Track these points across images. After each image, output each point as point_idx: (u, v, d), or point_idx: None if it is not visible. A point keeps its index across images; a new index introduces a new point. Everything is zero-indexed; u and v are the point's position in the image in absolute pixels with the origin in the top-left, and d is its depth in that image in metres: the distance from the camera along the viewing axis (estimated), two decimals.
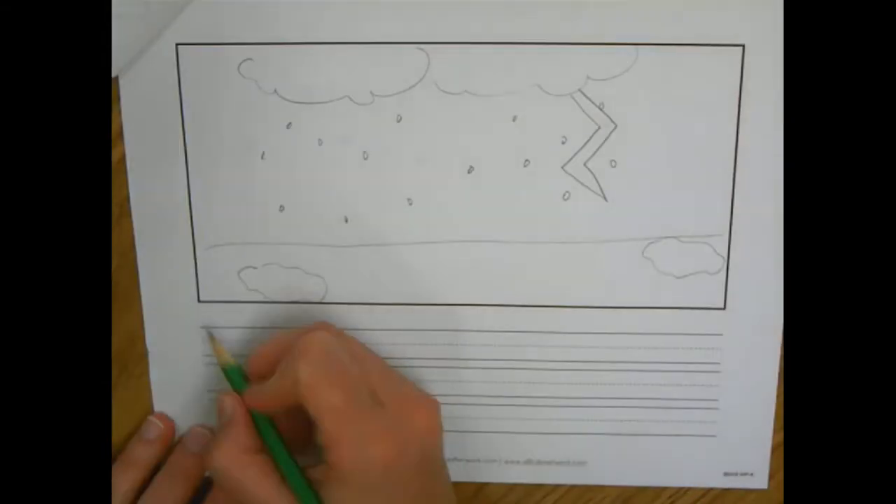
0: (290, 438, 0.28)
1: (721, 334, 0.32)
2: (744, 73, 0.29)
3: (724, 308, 0.31)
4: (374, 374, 0.28)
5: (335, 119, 0.30)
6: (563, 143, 0.30)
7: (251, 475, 0.27)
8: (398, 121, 0.30)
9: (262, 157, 0.31)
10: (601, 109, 0.30)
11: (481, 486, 0.34)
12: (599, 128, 0.30)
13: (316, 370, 0.26)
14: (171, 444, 0.33)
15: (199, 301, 0.32)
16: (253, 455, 0.28)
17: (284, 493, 0.27)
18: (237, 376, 0.30)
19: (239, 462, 0.27)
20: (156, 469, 0.33)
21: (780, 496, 0.34)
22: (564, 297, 0.32)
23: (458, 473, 0.34)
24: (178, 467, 0.32)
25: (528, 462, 0.33)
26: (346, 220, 0.31)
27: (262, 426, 0.28)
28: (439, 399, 0.29)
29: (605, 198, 0.31)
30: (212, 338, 0.31)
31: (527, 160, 0.30)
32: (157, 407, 0.33)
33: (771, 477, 0.33)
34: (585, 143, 0.30)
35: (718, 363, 0.32)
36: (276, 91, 0.30)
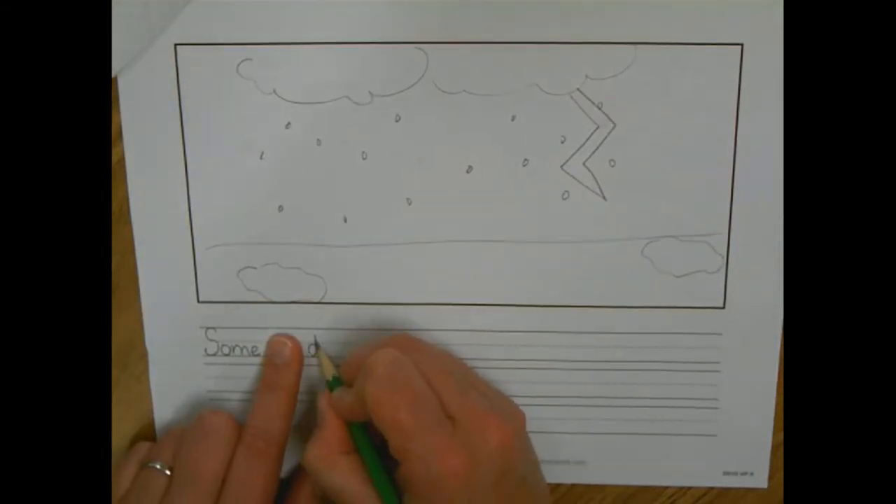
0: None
1: (721, 334, 0.32)
2: (742, 72, 0.29)
3: (724, 307, 0.31)
4: (448, 389, 0.27)
5: (334, 119, 0.30)
6: (561, 142, 0.30)
7: (338, 474, 0.28)
8: (397, 121, 0.30)
9: (261, 158, 0.31)
10: (600, 109, 0.30)
11: None
12: (598, 127, 0.30)
13: (381, 388, 0.27)
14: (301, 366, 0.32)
15: (198, 301, 0.32)
16: (341, 455, 0.28)
17: (369, 493, 0.28)
18: (337, 384, 0.30)
19: (327, 461, 0.28)
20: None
21: (780, 496, 0.34)
22: (563, 296, 0.32)
23: None
24: (276, 383, 0.32)
25: None
26: (346, 220, 0.31)
27: (353, 428, 0.29)
28: None
29: (603, 197, 0.31)
30: (319, 350, 0.32)
31: (526, 160, 0.30)
32: (157, 407, 0.33)
33: (771, 476, 0.33)
34: (584, 143, 0.30)
35: (718, 363, 0.32)
36: (274, 91, 0.30)
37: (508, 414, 0.28)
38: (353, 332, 0.32)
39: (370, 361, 0.27)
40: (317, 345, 0.32)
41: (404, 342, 0.29)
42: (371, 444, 0.29)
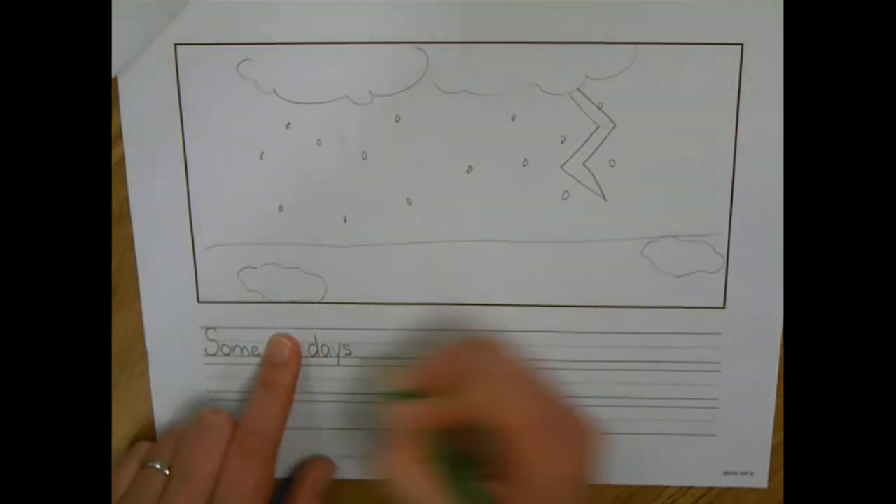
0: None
1: (720, 334, 0.32)
2: (742, 71, 0.29)
3: (724, 307, 0.31)
4: (550, 391, 0.27)
5: (334, 119, 0.30)
6: (561, 142, 0.30)
7: (414, 483, 0.27)
8: (397, 121, 0.30)
9: (261, 157, 0.31)
10: (600, 109, 0.30)
11: None
12: (598, 127, 0.30)
13: (508, 390, 0.26)
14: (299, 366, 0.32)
15: (198, 301, 0.32)
16: (416, 464, 0.27)
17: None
18: (411, 396, 0.29)
19: (413, 473, 0.27)
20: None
21: (780, 496, 0.34)
22: (563, 296, 0.32)
23: None
24: (273, 382, 0.32)
25: None
26: (346, 220, 0.31)
27: (430, 440, 0.28)
28: None
29: (604, 197, 0.31)
30: (386, 368, 0.32)
31: (526, 160, 0.30)
32: (157, 407, 0.33)
33: (771, 476, 0.33)
34: (584, 143, 0.30)
35: (718, 363, 0.32)
36: (274, 91, 0.30)
37: (589, 420, 0.28)
38: (353, 332, 0.32)
39: (483, 363, 0.27)
40: (382, 365, 0.32)
41: (490, 342, 0.29)
42: (451, 456, 0.27)
